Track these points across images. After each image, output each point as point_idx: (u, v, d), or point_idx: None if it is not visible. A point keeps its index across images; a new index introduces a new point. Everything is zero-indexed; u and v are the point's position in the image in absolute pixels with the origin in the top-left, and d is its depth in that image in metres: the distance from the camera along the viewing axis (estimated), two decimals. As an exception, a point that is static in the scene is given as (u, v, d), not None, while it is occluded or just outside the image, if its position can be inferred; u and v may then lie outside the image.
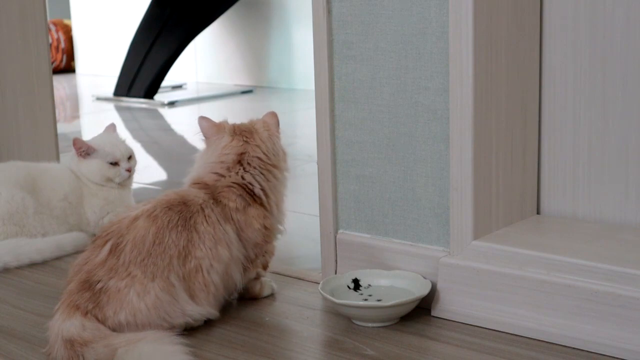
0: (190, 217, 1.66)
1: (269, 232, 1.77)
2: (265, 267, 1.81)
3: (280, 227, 1.82)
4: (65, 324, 1.55)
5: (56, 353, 1.53)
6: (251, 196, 1.74)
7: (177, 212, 1.65)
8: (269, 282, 1.85)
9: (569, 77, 1.77)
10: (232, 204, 1.71)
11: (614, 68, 1.72)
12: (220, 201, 1.71)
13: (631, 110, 1.72)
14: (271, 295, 1.84)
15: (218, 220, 1.68)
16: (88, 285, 1.60)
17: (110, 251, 1.61)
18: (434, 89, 1.71)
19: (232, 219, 1.71)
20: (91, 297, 1.58)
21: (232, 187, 1.73)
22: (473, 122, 1.65)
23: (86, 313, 1.57)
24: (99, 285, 1.59)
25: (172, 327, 1.60)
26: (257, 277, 1.81)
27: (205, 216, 1.67)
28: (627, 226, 1.74)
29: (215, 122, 1.81)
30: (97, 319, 1.57)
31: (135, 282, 1.59)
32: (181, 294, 1.62)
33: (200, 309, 1.65)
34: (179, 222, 1.64)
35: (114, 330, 1.57)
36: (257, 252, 1.76)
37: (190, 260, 1.63)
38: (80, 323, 1.55)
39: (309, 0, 1.87)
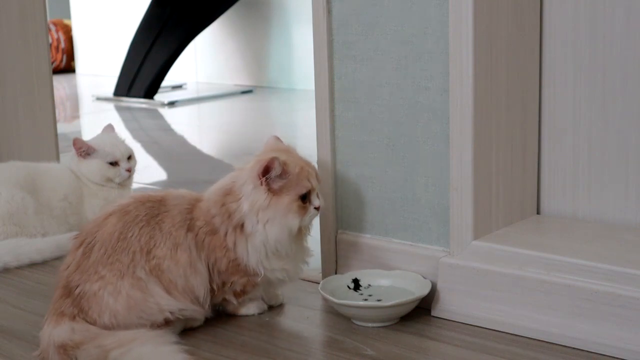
0: (157, 214, 1.64)
1: (234, 265, 1.66)
2: (237, 296, 1.70)
3: (259, 270, 1.67)
4: (56, 331, 1.55)
5: (50, 359, 1.53)
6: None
7: (147, 208, 1.64)
8: (251, 302, 1.74)
9: (569, 77, 1.77)
10: (199, 223, 1.66)
11: (614, 68, 1.72)
12: (192, 212, 1.67)
13: (631, 110, 1.72)
14: (257, 315, 1.74)
15: (182, 226, 1.64)
16: (68, 291, 1.59)
17: (84, 252, 1.61)
18: (434, 89, 1.71)
19: (196, 234, 1.65)
20: (72, 302, 1.58)
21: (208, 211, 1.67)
22: (473, 122, 1.65)
23: (74, 317, 1.57)
24: (77, 291, 1.58)
25: (156, 325, 1.58)
26: (228, 300, 1.71)
27: (172, 217, 1.64)
28: (627, 226, 1.74)
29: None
30: (86, 321, 1.57)
31: (107, 282, 1.58)
32: (154, 287, 1.59)
33: (179, 303, 1.61)
34: (144, 218, 1.63)
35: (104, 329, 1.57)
36: (223, 279, 1.67)
37: (152, 258, 1.61)
38: (69, 327, 1.55)
39: (309, 0, 1.87)
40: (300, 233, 1.69)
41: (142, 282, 1.59)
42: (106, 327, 1.56)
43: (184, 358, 1.49)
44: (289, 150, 1.70)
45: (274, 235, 1.63)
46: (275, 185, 1.63)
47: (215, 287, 1.67)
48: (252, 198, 1.63)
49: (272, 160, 1.61)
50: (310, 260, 1.76)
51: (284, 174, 1.63)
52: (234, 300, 1.70)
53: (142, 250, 1.60)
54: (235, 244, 1.65)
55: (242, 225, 1.64)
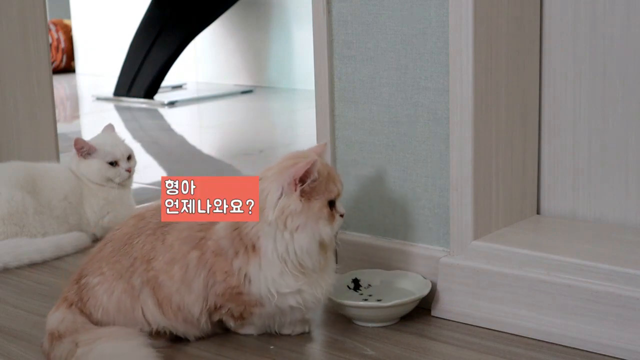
0: (167, 224, 1.59)
1: (235, 293, 1.55)
2: (235, 319, 1.60)
3: (269, 296, 1.54)
4: (52, 316, 1.58)
5: (44, 345, 1.56)
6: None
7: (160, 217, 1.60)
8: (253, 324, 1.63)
9: (569, 77, 1.77)
10: (210, 243, 1.56)
11: (614, 68, 1.72)
12: (205, 231, 1.58)
13: (631, 110, 1.72)
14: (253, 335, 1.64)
15: (187, 242, 1.57)
16: (78, 278, 1.62)
17: (100, 247, 1.64)
18: (434, 89, 1.71)
19: (203, 252, 1.56)
20: (77, 290, 1.61)
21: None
22: (473, 122, 1.65)
23: (71, 305, 1.59)
24: (83, 281, 1.61)
25: (147, 332, 1.57)
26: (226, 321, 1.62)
27: (179, 230, 1.58)
28: (627, 226, 1.74)
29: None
30: (81, 311, 1.59)
31: (105, 279, 1.59)
32: (146, 299, 1.57)
33: (166, 321, 1.57)
34: (153, 226, 1.60)
35: (97, 324, 1.58)
36: (218, 302, 1.57)
37: (150, 269, 1.57)
38: (61, 315, 1.57)
39: (309, 0, 1.87)
40: (325, 247, 1.57)
41: (135, 291, 1.57)
42: (99, 323, 1.58)
43: (148, 352, 1.48)
44: (307, 156, 1.58)
45: (305, 244, 1.51)
46: (307, 189, 1.51)
47: (212, 305, 1.58)
48: (281, 204, 1.50)
49: (313, 164, 1.49)
50: (332, 284, 1.61)
51: (317, 177, 1.52)
52: (231, 323, 1.61)
53: (142, 259, 1.58)
54: (245, 267, 1.53)
55: (254, 246, 1.53)
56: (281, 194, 1.51)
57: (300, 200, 1.51)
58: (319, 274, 1.57)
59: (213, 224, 1.58)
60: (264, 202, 1.52)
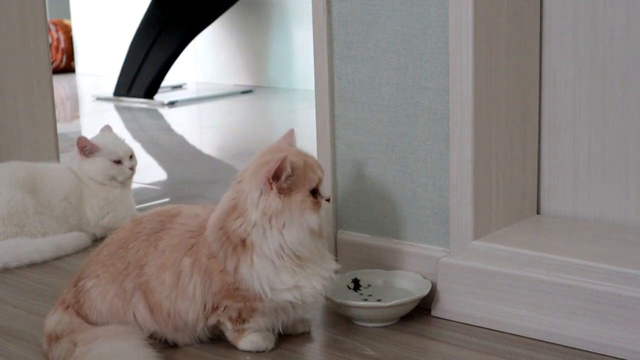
0: (160, 230, 1.59)
1: (232, 289, 1.53)
2: (233, 322, 1.55)
3: (264, 292, 1.52)
4: (49, 319, 1.59)
5: (42, 347, 1.57)
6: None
7: (156, 222, 1.60)
8: (252, 337, 1.57)
9: (568, 77, 1.77)
10: (204, 250, 1.54)
11: (614, 68, 1.72)
12: (198, 237, 1.56)
13: (631, 110, 1.72)
14: (254, 353, 1.57)
15: (178, 249, 1.56)
16: (76, 281, 1.63)
17: (98, 250, 1.64)
18: (434, 89, 1.71)
19: (197, 259, 1.54)
20: (74, 293, 1.62)
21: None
22: (473, 122, 1.65)
23: (68, 307, 1.60)
24: (80, 283, 1.62)
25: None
26: (224, 324, 1.58)
27: (171, 237, 1.57)
28: (627, 226, 1.74)
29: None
30: (78, 313, 1.59)
31: (99, 283, 1.59)
32: (137, 303, 1.57)
33: (157, 326, 1.57)
34: (147, 232, 1.59)
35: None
36: (215, 301, 1.54)
37: (142, 275, 1.57)
38: (58, 317, 1.58)
39: (309, 0, 1.87)
40: (317, 234, 1.54)
41: (127, 295, 1.58)
42: (94, 325, 1.58)
43: (147, 352, 1.49)
44: (284, 148, 1.57)
45: (295, 238, 1.50)
46: (285, 185, 1.49)
47: (209, 307, 1.55)
48: (262, 205, 1.49)
49: (283, 161, 1.47)
50: (332, 274, 1.58)
51: (292, 170, 1.49)
52: (229, 325, 1.56)
53: (135, 264, 1.58)
54: (237, 266, 1.51)
55: (244, 242, 1.51)
56: (260, 194, 1.50)
57: (280, 197, 1.49)
58: (318, 262, 1.55)
59: (204, 230, 1.56)
60: (245, 204, 1.51)
